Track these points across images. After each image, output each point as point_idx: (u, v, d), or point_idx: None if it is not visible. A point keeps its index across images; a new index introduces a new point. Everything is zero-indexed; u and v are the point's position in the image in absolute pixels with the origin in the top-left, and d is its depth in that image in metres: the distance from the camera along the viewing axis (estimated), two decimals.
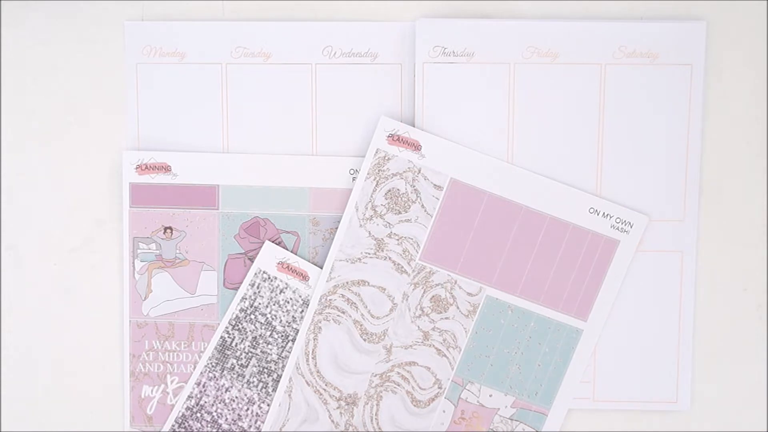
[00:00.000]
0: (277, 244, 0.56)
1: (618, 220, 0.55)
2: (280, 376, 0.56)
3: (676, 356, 0.58)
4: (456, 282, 0.56)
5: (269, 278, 0.56)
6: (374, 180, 0.55)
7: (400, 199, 0.55)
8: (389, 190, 0.55)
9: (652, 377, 0.58)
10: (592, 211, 0.56)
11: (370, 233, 0.56)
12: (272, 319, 0.56)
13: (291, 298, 0.56)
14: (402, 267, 0.56)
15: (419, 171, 0.55)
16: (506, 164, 0.56)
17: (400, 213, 0.56)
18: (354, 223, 0.56)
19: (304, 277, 0.56)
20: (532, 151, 0.56)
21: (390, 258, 0.56)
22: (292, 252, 0.56)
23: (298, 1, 0.56)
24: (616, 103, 0.56)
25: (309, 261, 0.56)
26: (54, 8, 0.56)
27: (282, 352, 0.56)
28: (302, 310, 0.56)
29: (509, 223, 0.56)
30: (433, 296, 0.56)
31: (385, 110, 0.56)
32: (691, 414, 0.59)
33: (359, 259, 0.56)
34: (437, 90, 0.56)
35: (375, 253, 0.56)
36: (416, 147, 0.55)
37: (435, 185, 0.55)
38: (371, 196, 0.56)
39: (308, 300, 0.56)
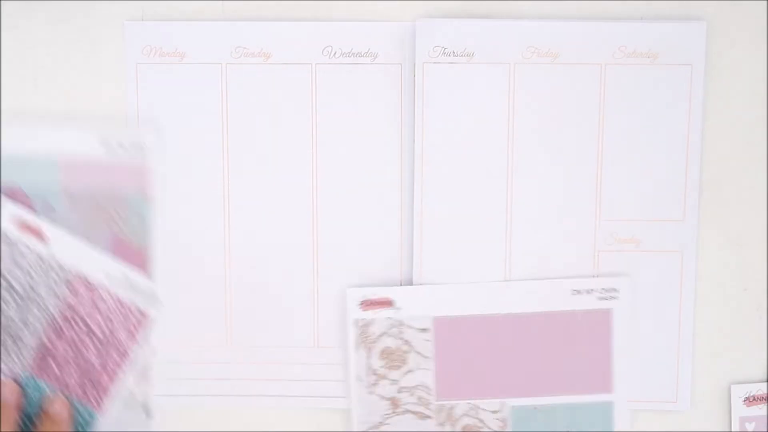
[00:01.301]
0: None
1: (602, 290, 0.56)
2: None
3: (676, 356, 0.58)
4: (478, 406, 0.57)
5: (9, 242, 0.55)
6: (365, 348, 0.56)
7: (394, 354, 0.56)
8: (382, 351, 0.56)
9: (651, 377, 0.58)
10: (575, 292, 0.56)
11: (381, 396, 0.56)
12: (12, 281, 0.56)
13: (30, 259, 0.56)
14: (423, 413, 0.57)
15: (401, 323, 0.56)
16: (478, 284, 0.56)
17: (400, 367, 0.56)
18: (363, 393, 0.56)
19: (40, 237, 0.55)
20: (531, 151, 0.56)
21: (409, 410, 0.57)
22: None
23: (298, 1, 0.56)
24: (616, 103, 0.56)
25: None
26: (53, 8, 0.56)
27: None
28: (45, 273, 0.55)
29: (504, 334, 0.56)
30: (463, 426, 0.57)
31: (385, 110, 0.57)
32: (691, 414, 0.59)
33: (381, 422, 0.57)
34: (437, 90, 0.56)
35: (394, 412, 0.57)
36: (389, 304, 0.56)
37: (420, 329, 0.56)
38: (368, 363, 0.56)
39: (48, 260, 0.55)
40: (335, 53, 0.56)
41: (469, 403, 0.57)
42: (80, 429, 0.57)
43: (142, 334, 0.56)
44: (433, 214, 0.57)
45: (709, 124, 0.57)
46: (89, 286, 0.56)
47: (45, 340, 0.56)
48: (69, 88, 0.57)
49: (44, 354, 0.56)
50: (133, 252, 0.56)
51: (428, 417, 0.57)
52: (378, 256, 0.58)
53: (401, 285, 0.57)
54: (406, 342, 0.57)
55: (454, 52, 0.56)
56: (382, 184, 0.57)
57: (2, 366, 0.55)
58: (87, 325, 0.56)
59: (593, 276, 0.57)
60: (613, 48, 0.56)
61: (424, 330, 0.56)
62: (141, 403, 0.57)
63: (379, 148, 0.57)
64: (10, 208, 0.55)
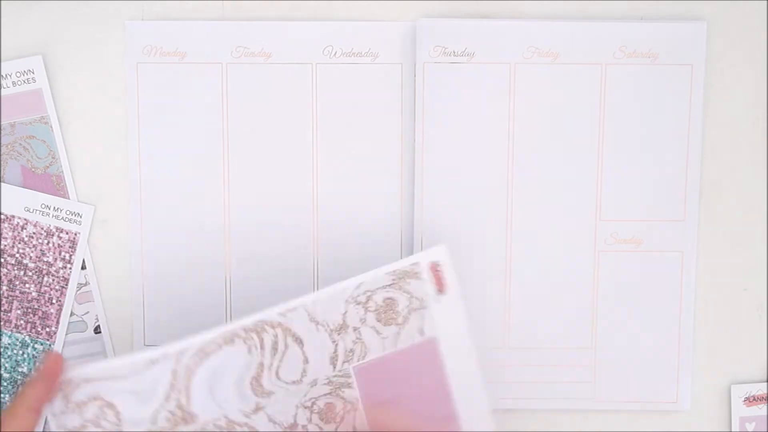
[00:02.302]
0: None
1: None
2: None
3: (676, 356, 0.58)
4: None
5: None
6: None
7: None
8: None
9: (652, 377, 0.58)
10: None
11: None
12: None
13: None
14: None
15: None
16: None
17: None
18: None
19: None
20: (532, 150, 0.57)
21: None
22: None
23: (298, 1, 0.56)
24: (616, 103, 0.56)
25: None
26: (53, 8, 0.56)
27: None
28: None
29: None
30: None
31: (385, 110, 0.57)
32: (691, 414, 0.59)
33: None
34: (438, 90, 0.56)
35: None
36: None
37: None
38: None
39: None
40: (336, 53, 0.56)
41: None
42: (39, 363, 0.57)
43: (75, 256, 0.57)
44: (434, 214, 0.57)
45: (710, 123, 0.57)
46: (9, 220, 0.56)
47: None
48: (69, 87, 0.57)
49: None
50: (44, 179, 0.57)
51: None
52: (379, 255, 0.58)
53: None
54: None
55: (454, 52, 0.56)
56: (383, 184, 0.57)
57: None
58: (17, 260, 0.57)
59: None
60: (613, 48, 0.56)
61: None
62: (87, 323, 0.58)
63: (379, 147, 0.57)
64: None
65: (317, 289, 0.58)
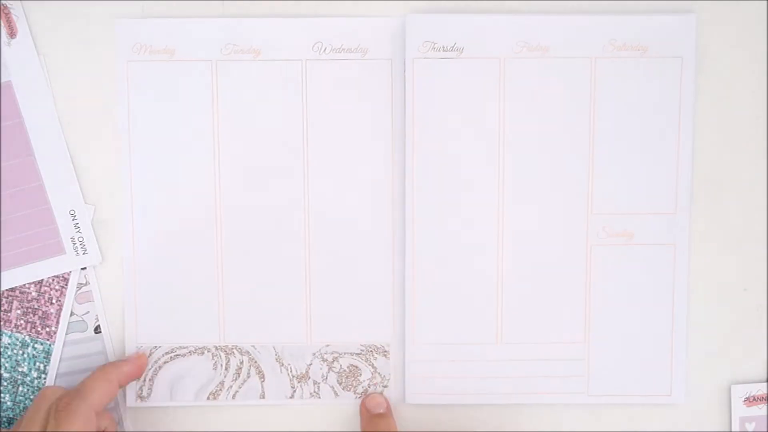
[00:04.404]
0: None
1: None
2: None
3: (670, 349, 0.57)
4: None
5: None
6: None
7: None
8: None
9: (645, 369, 0.57)
10: None
11: None
12: None
13: None
14: None
15: None
16: None
17: None
18: None
19: None
20: (523, 145, 0.56)
21: None
22: None
23: None
24: (606, 96, 0.56)
25: None
26: (51, 8, 0.56)
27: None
28: None
29: None
30: None
31: (375, 106, 0.57)
32: (691, 414, 0.58)
33: None
34: (428, 85, 0.56)
35: None
36: None
37: None
38: None
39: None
40: (325, 49, 0.56)
41: None
42: (39, 362, 0.57)
43: None
44: (424, 209, 0.57)
45: (700, 116, 0.57)
46: None
47: None
48: (61, 86, 0.57)
49: None
50: None
51: None
52: (369, 250, 0.57)
53: (392, 274, 0.57)
54: None
55: (444, 48, 0.56)
56: (373, 180, 0.57)
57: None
58: None
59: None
60: (603, 42, 0.56)
61: None
62: (88, 323, 0.58)
63: (369, 143, 0.57)
64: None
65: (309, 287, 0.57)
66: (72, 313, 0.58)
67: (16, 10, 0.55)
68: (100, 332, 0.58)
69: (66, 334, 0.58)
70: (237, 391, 0.57)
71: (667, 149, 0.56)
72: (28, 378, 0.57)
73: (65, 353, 0.58)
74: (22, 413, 0.57)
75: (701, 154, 0.57)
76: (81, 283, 0.58)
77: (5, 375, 0.57)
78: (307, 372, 0.57)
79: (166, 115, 0.57)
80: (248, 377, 0.57)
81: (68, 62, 0.57)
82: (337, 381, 0.57)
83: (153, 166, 0.57)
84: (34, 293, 0.57)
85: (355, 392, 0.57)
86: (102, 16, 0.56)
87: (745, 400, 0.58)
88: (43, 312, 0.57)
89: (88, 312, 0.58)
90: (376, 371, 0.57)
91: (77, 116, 0.57)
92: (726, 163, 0.57)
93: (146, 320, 0.58)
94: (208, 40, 0.56)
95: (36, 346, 0.57)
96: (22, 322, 0.57)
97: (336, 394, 0.57)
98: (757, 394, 0.58)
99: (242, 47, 0.56)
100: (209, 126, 0.57)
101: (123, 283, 0.58)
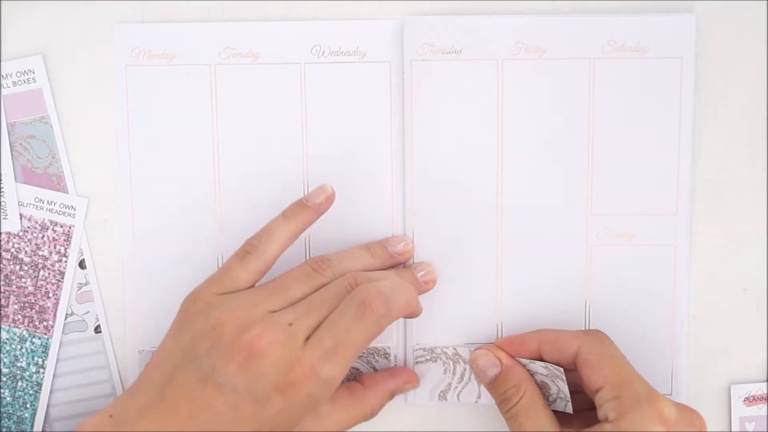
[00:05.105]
0: None
1: None
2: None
3: (671, 350, 0.57)
4: None
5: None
6: None
7: None
8: None
9: (647, 369, 0.57)
10: None
11: None
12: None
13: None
14: None
15: None
16: None
17: None
18: None
19: None
20: (521, 146, 0.56)
21: None
22: None
23: (285, 1, 0.56)
24: (605, 97, 0.56)
25: None
26: (53, 8, 0.57)
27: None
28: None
29: None
30: None
31: (374, 108, 0.57)
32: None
33: None
34: (426, 87, 0.56)
35: None
36: None
37: None
38: None
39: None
40: (324, 52, 0.56)
41: None
42: (38, 357, 0.57)
43: (70, 249, 0.57)
44: (424, 211, 0.57)
45: (701, 116, 0.57)
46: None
47: None
48: (60, 90, 0.57)
49: None
50: (44, 178, 0.57)
51: None
52: None
53: None
54: None
55: (442, 49, 0.56)
56: (373, 183, 0.57)
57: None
58: (13, 255, 0.57)
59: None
60: (601, 42, 0.56)
61: None
62: (88, 323, 0.58)
63: (369, 146, 0.57)
64: None
65: None
66: (72, 313, 0.58)
67: None
68: (100, 332, 0.58)
69: (66, 333, 0.58)
70: None
71: (667, 150, 0.56)
72: (27, 373, 0.58)
73: (65, 353, 0.58)
74: (26, 406, 0.58)
75: (701, 155, 0.57)
76: (81, 283, 0.58)
77: (4, 370, 0.58)
78: None
79: (165, 120, 0.57)
80: None
81: (68, 65, 0.57)
82: None
83: (153, 168, 0.57)
84: (30, 288, 0.57)
85: None
86: (100, 20, 0.56)
87: (744, 400, 0.58)
88: (40, 306, 0.57)
89: (88, 312, 0.58)
90: None
91: (76, 119, 0.57)
92: (726, 164, 0.57)
93: (146, 320, 0.58)
94: (207, 44, 0.56)
95: (34, 340, 0.58)
96: (19, 316, 0.57)
97: None
98: (757, 394, 0.58)
99: (241, 51, 0.56)
100: (208, 130, 0.57)
101: (123, 283, 0.58)
